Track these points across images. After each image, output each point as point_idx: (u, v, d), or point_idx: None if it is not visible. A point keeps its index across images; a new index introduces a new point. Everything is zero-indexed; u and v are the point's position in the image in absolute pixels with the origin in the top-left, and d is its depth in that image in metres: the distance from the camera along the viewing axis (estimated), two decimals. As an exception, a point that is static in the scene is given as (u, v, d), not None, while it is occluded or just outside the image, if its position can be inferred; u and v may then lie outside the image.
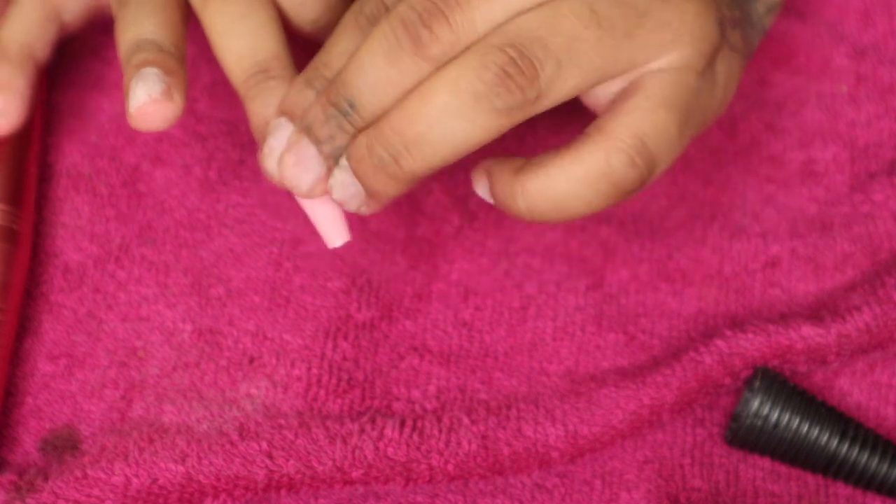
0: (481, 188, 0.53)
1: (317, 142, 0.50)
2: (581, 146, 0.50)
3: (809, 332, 0.59)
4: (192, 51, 0.65)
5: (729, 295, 0.62)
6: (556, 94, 0.49)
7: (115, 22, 0.55)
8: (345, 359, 0.59)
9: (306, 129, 0.51)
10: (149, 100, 0.52)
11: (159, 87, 0.52)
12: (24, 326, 0.60)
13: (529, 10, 0.49)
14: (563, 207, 0.51)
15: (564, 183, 0.50)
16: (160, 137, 0.63)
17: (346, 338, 0.59)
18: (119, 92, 0.64)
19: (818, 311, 0.60)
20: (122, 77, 0.64)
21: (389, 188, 0.50)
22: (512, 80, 0.48)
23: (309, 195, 0.52)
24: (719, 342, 0.59)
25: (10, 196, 0.59)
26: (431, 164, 0.49)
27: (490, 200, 0.53)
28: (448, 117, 0.48)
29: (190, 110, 0.64)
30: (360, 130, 0.50)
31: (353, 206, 0.52)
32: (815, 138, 0.65)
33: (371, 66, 0.49)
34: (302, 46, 0.56)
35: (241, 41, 0.53)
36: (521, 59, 0.48)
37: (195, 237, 0.62)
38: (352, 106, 0.50)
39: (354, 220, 0.62)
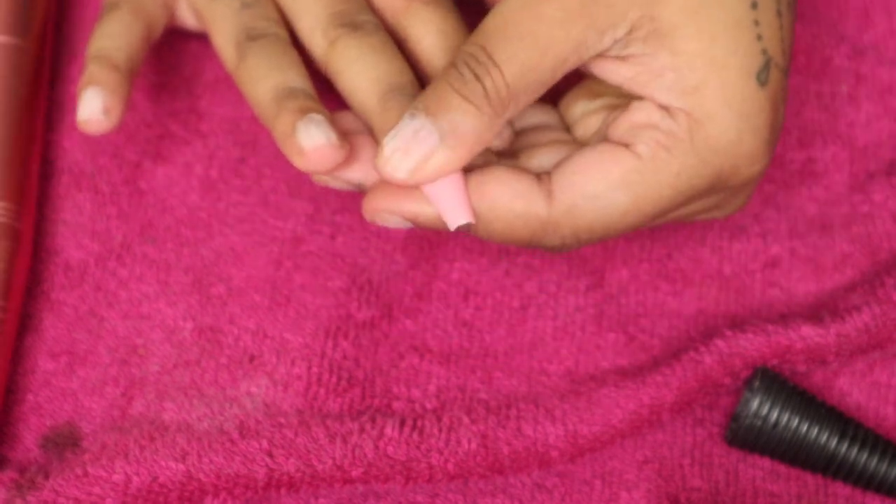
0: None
1: None
2: None
3: (809, 332, 0.59)
4: (193, 47, 0.65)
5: (729, 295, 0.62)
6: None
7: (240, 71, 0.55)
8: (345, 358, 0.59)
9: None
10: (328, 143, 0.52)
11: (334, 133, 0.52)
12: (24, 324, 0.60)
13: None
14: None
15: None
16: (162, 135, 0.63)
17: (346, 337, 0.59)
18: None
19: (818, 311, 0.60)
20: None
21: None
22: None
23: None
24: (719, 342, 0.59)
25: (11, 193, 0.59)
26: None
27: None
28: None
29: (191, 108, 0.64)
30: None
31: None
32: (815, 138, 0.65)
33: None
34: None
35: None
36: None
37: (196, 235, 0.62)
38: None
39: (355, 219, 0.62)
